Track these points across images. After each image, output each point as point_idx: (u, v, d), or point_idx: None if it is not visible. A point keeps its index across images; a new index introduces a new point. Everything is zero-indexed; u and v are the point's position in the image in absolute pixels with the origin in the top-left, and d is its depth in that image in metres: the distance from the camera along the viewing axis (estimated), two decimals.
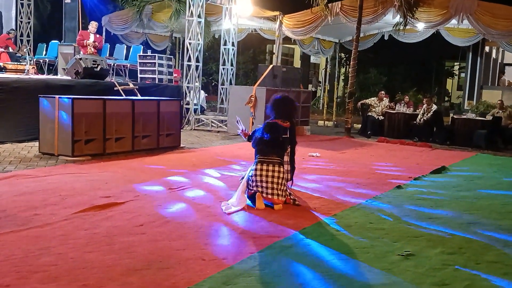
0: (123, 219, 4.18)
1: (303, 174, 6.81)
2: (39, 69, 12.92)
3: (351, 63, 12.20)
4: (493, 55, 18.09)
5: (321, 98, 20.21)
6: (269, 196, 4.75)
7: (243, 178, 5.03)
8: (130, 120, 7.65)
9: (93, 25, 11.99)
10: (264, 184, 4.75)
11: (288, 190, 4.98)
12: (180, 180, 5.90)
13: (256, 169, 4.81)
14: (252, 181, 4.81)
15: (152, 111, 8.07)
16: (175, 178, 6.00)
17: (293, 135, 5.04)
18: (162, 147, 8.19)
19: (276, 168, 4.79)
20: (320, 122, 16.19)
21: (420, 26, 12.36)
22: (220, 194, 5.32)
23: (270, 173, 4.76)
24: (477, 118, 11.87)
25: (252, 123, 10.79)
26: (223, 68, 13.69)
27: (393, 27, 12.21)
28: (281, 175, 4.81)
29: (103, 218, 4.17)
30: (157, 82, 11.62)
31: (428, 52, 20.38)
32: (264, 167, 4.78)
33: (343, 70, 24.22)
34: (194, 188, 5.55)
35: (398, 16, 11.51)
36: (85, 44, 11.75)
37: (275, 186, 4.75)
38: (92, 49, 11.77)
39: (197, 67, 12.12)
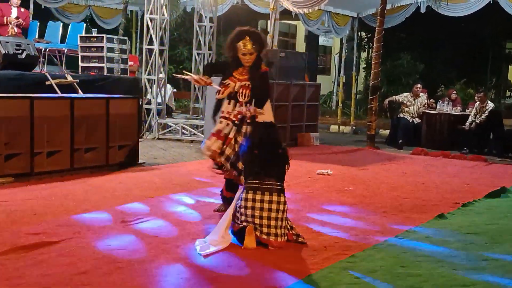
0: (59, 264, 4.17)
1: (310, 199, 6.82)
2: None
3: (375, 45, 12.28)
4: None
5: (335, 94, 20.30)
6: (264, 237, 4.74)
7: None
8: (68, 127, 7.63)
9: None
10: (257, 220, 4.75)
11: (290, 223, 5.00)
12: (138, 210, 5.90)
13: (246, 199, 4.79)
14: (241, 214, 4.82)
15: (98, 113, 8.06)
16: (130, 207, 5.99)
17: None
18: (113, 164, 8.17)
19: (275, 198, 4.79)
20: (334, 127, 16.25)
21: None
22: (193, 229, 5.31)
23: (266, 205, 4.75)
24: None
25: None
26: (198, 54, 13.72)
27: None
28: (281, 207, 4.80)
29: (30, 264, 4.15)
30: (105, 73, 11.62)
31: (482, 29, 20.54)
32: (258, 197, 4.77)
33: (364, 55, 24.34)
34: (157, 220, 5.54)
35: None
36: (5, 22, 11.74)
37: (272, 223, 4.74)
38: (15, 28, 11.76)
39: (161, 52, 12.14)
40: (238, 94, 5.59)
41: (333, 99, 20.73)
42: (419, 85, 13.60)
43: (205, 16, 13.51)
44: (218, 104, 5.72)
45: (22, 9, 12.18)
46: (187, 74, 5.83)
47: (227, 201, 5.83)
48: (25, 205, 5.86)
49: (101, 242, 4.75)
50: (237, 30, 5.71)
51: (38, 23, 13.85)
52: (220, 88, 5.63)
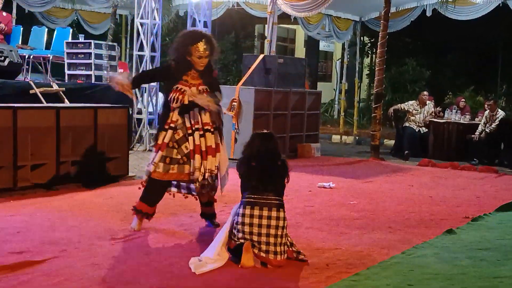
0: (44, 285, 4.15)
1: (311, 213, 6.82)
2: None
3: (379, 51, 12.30)
4: None
5: (337, 103, 20.34)
6: (263, 254, 4.74)
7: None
8: (53, 139, 7.62)
9: None
10: (255, 237, 4.75)
11: (290, 240, 4.99)
12: (128, 226, 5.88)
13: (244, 214, 4.79)
14: (238, 231, 4.81)
15: (86, 124, 8.05)
16: (120, 223, 5.98)
17: None
18: (102, 177, 8.16)
19: (274, 213, 4.79)
20: (335, 137, 16.25)
21: None
22: (187, 246, 5.30)
23: (264, 221, 4.75)
24: None
25: (235, 140, 10.81)
26: None
27: None
28: (281, 223, 4.80)
29: (14, 285, 4.13)
30: (93, 81, 11.62)
31: (492, 33, 20.59)
32: (256, 212, 4.77)
33: (367, 61, 24.38)
34: (148, 237, 5.53)
35: None
36: None
37: (271, 240, 4.74)
38: None
39: (152, 58, 12.14)
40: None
41: (335, 107, 20.75)
42: (425, 93, 13.61)
43: (199, 21, 13.51)
44: (167, 113, 5.60)
45: (4, 13, 12.18)
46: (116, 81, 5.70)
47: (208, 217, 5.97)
48: (8, 222, 5.84)
49: (88, 261, 4.73)
50: (190, 32, 5.83)
51: (22, 28, 13.85)
52: (175, 95, 5.51)
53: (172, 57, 5.74)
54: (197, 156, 5.50)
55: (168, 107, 5.60)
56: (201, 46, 5.48)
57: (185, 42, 5.56)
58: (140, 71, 12.01)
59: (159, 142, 5.53)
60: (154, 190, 5.64)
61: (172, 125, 5.53)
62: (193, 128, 5.53)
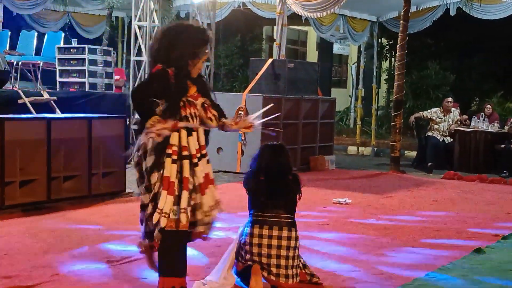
0: None
1: (325, 232, 6.80)
2: None
3: (398, 53, 12.30)
4: None
5: (353, 110, 20.32)
6: (273, 278, 4.72)
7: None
8: (44, 152, 7.62)
9: None
10: (264, 259, 4.73)
11: (302, 261, 4.97)
12: (125, 247, 5.87)
13: (252, 234, 4.78)
14: (246, 252, 4.80)
15: (79, 136, 8.06)
16: (116, 244, 5.98)
17: None
18: (97, 194, 8.15)
19: (285, 233, 4.77)
20: (352, 149, 16.22)
21: None
22: (189, 269, 5.28)
23: (274, 241, 4.74)
24: None
25: (242, 152, 10.80)
26: None
27: None
28: (293, 244, 4.79)
29: None
30: (87, 89, 11.66)
31: None
32: (265, 232, 4.76)
33: (385, 65, 24.37)
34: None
35: None
36: None
37: (282, 262, 4.73)
38: None
39: None
40: (206, 119, 4.49)
41: (351, 116, 20.77)
42: (450, 99, 13.57)
43: (202, 22, 13.56)
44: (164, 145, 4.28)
45: None
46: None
47: None
48: None
49: (82, 285, 4.73)
50: (198, 30, 4.57)
51: (9, 33, 13.92)
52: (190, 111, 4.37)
53: (172, 61, 4.31)
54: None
55: None
56: (208, 47, 4.57)
57: (197, 42, 4.43)
58: (138, 77, 11.99)
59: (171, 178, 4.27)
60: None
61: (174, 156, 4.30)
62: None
